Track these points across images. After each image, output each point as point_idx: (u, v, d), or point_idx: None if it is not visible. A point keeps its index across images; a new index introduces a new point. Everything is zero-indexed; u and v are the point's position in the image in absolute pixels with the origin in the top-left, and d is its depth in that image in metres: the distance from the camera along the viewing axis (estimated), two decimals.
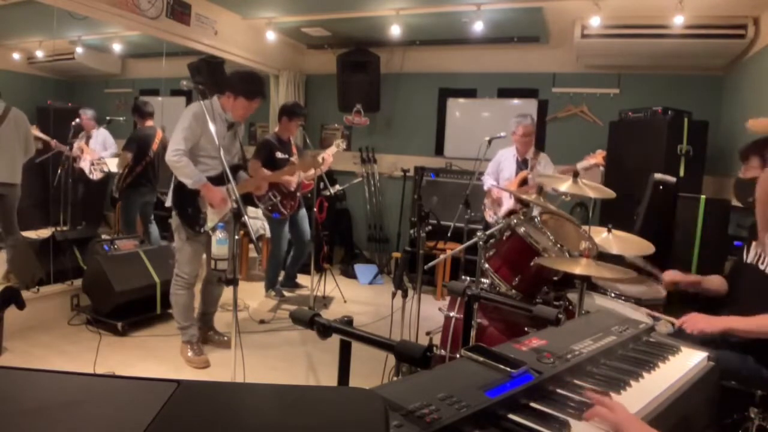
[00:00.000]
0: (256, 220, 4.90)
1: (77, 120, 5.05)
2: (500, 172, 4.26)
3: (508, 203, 4.01)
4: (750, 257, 2.09)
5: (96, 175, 5.01)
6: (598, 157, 3.69)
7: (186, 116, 3.01)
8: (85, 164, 4.97)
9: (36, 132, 4.46)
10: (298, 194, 4.37)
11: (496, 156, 4.30)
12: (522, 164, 4.13)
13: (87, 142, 5.08)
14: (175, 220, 3.15)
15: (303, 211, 4.51)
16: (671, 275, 2.37)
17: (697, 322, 1.93)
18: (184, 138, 2.97)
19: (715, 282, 2.31)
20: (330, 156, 4.28)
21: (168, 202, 3.18)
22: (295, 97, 6.01)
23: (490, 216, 4.15)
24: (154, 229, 5.02)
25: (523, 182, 3.98)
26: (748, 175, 2.15)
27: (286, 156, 4.27)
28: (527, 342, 1.28)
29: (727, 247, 3.36)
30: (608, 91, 5.07)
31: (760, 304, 1.89)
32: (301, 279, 4.79)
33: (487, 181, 4.28)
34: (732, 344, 1.94)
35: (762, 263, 2.00)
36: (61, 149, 4.93)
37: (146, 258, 3.88)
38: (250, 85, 3.13)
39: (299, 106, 4.63)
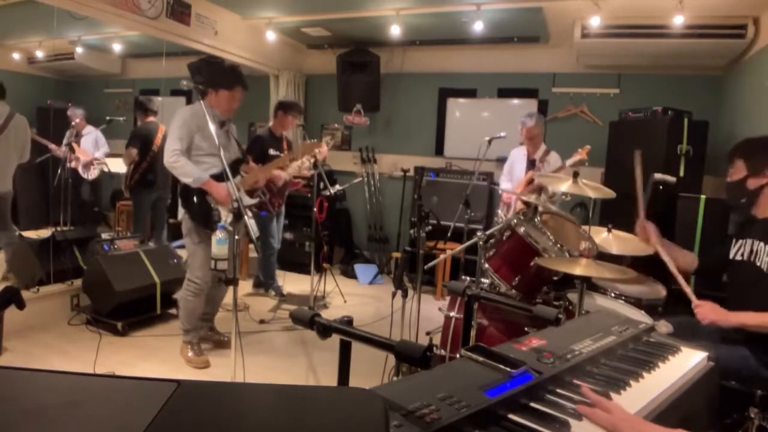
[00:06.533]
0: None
1: (74, 120, 5.01)
2: (513, 172, 4.30)
3: (516, 206, 4.03)
4: (744, 254, 2.11)
5: (90, 175, 4.98)
6: (582, 153, 3.76)
7: (179, 116, 3.01)
8: (76, 164, 4.92)
9: (36, 137, 4.44)
10: (286, 193, 4.36)
11: (510, 156, 4.36)
12: (531, 164, 4.16)
13: (78, 142, 5.02)
14: (186, 223, 3.11)
15: (281, 217, 4.53)
16: (645, 223, 2.37)
17: (708, 312, 1.96)
18: (179, 138, 2.97)
19: (687, 258, 2.34)
20: (325, 148, 4.15)
21: (180, 212, 3.16)
22: (295, 97, 6.01)
23: None
24: (164, 233, 4.99)
25: (530, 183, 3.99)
26: (735, 178, 2.17)
27: (279, 153, 4.26)
28: (527, 342, 1.28)
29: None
30: (608, 91, 5.07)
31: (762, 301, 1.91)
32: (301, 279, 4.79)
33: (502, 184, 4.33)
34: (731, 338, 1.97)
35: (759, 260, 2.03)
36: (56, 152, 4.90)
37: (146, 258, 3.87)
38: (227, 75, 3.14)
39: (297, 103, 4.63)
